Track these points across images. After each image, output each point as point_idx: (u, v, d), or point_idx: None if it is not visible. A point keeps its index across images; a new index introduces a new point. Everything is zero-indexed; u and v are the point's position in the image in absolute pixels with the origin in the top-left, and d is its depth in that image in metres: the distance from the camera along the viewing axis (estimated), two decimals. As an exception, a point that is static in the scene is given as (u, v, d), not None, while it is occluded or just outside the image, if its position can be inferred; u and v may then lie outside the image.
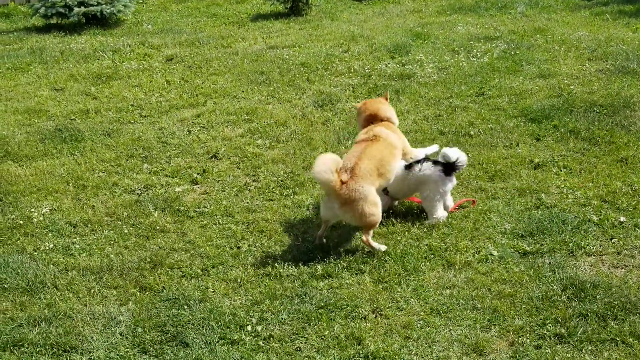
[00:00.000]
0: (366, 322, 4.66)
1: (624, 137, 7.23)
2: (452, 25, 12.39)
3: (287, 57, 10.79)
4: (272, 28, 12.96)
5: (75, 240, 5.84)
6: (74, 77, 10.21)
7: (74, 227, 6.07)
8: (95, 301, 5.00)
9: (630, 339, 4.35)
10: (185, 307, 4.86)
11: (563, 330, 4.46)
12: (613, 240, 5.46)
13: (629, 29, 11.49)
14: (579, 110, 8.00)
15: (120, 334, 4.65)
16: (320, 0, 15.01)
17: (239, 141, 7.76)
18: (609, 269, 5.14)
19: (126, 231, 5.94)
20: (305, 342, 4.51)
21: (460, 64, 10.04)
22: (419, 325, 4.62)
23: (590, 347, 4.33)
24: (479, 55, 10.41)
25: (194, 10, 14.90)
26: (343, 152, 7.21)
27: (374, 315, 4.74)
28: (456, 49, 10.80)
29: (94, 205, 6.40)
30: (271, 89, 9.43)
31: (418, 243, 5.53)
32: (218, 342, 4.52)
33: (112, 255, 5.55)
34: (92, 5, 12.85)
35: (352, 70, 10.04)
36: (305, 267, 5.28)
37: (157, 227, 5.98)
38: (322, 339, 4.53)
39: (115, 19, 13.44)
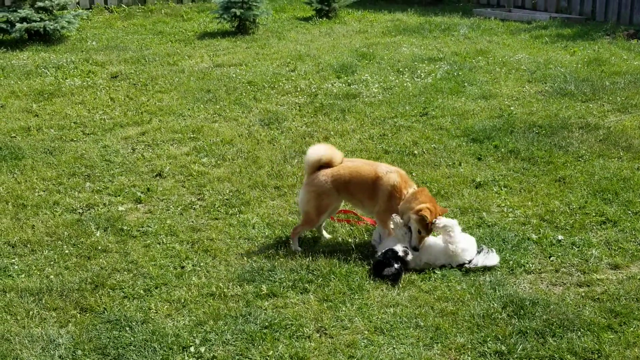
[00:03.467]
0: (310, 342, 4.66)
1: (562, 157, 7.44)
2: (397, 46, 12.59)
3: (233, 75, 10.79)
4: (219, 46, 12.95)
5: (13, 260, 5.69)
6: (15, 93, 10.00)
7: (13, 247, 5.91)
8: (34, 323, 4.88)
9: (568, 356, 4.45)
10: (127, 328, 4.79)
11: (503, 348, 4.54)
12: (551, 258, 5.60)
13: (567, 52, 11.87)
14: (519, 130, 8.21)
15: (60, 357, 4.54)
16: (267, 19, 15.07)
17: (184, 159, 7.71)
18: (547, 286, 5.26)
19: (67, 251, 5.82)
20: (249, 363, 4.49)
21: (405, 84, 10.20)
22: (363, 344, 4.64)
23: (529, 364, 4.42)
24: (422, 75, 10.60)
25: (139, 28, 14.78)
26: (288, 172, 7.25)
27: (318, 335, 4.74)
28: (401, 69, 10.97)
29: (33, 225, 6.25)
30: (217, 107, 9.41)
31: (363, 262, 5.57)
32: (160, 363, 4.46)
33: (52, 276, 5.43)
34: (35, 21, 12.62)
35: (299, 89, 10.10)
36: (250, 286, 5.26)
37: (99, 247, 5.88)
38: (267, 359, 4.51)
39: (58, 35, 13.22)
